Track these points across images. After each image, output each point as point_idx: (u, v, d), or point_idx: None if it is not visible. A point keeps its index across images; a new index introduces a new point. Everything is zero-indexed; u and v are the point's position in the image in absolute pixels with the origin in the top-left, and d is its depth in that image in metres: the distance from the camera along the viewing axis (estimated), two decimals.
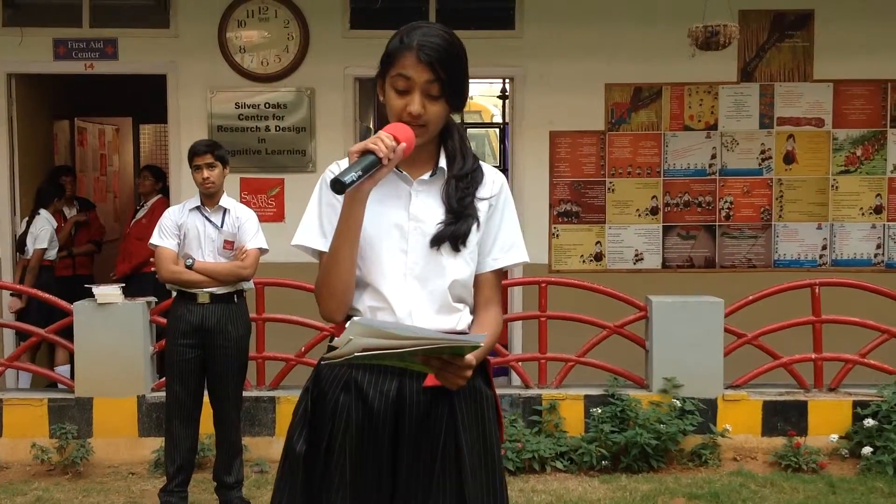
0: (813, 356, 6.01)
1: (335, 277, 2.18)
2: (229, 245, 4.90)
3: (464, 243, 2.21)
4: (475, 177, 2.27)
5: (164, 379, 5.78)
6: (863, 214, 7.33)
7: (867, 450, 5.60)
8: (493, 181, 2.31)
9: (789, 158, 7.31)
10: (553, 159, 7.27)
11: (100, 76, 7.43)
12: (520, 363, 6.14)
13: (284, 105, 7.20)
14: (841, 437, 5.79)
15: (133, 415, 5.82)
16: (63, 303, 5.96)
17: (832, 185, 7.31)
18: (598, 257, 7.32)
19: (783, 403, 5.91)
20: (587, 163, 7.28)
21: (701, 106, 7.28)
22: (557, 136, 7.26)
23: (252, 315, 5.28)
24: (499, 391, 6.00)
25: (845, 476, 5.51)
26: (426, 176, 2.24)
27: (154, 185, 7.94)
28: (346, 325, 1.93)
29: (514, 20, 7.20)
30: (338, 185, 2.02)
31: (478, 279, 2.29)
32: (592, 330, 5.97)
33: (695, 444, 5.73)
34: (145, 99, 8.11)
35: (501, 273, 2.34)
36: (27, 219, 7.24)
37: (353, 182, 2.03)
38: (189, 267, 4.83)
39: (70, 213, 8.00)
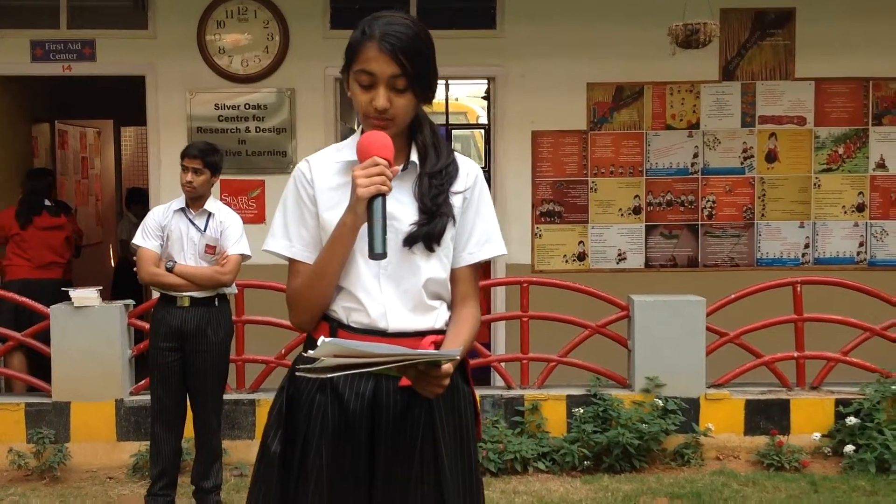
0: (795, 355, 6.00)
1: (317, 292, 2.15)
2: (211, 249, 4.85)
3: (438, 243, 2.16)
4: (450, 172, 2.21)
5: (142, 382, 5.76)
6: (845, 212, 7.32)
7: (849, 448, 5.59)
8: (467, 174, 2.24)
9: (771, 157, 7.30)
10: (535, 159, 7.24)
11: (80, 78, 7.36)
12: (502, 364, 6.11)
13: (265, 106, 7.16)
14: (823, 436, 5.78)
15: (111, 419, 5.76)
16: (40, 306, 5.90)
17: (814, 184, 7.31)
18: (581, 257, 7.30)
19: (765, 402, 5.89)
20: (570, 162, 7.26)
21: (683, 105, 7.27)
22: (539, 136, 7.24)
23: (234, 318, 5.23)
24: (481, 392, 6.01)
25: (828, 474, 5.49)
26: (398, 170, 2.17)
27: None
28: (318, 344, 1.88)
29: (495, 19, 7.17)
30: (380, 257, 2.01)
31: (454, 274, 2.24)
32: (575, 330, 5.95)
33: (677, 443, 5.71)
34: (126, 101, 8.04)
35: (478, 267, 2.29)
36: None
37: (386, 241, 2.01)
38: (169, 270, 4.79)
39: None
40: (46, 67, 7.10)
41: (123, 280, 9.33)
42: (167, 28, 7.08)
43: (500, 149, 7.29)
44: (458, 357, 1.99)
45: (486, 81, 8.60)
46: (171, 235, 4.85)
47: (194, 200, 4.87)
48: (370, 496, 2.15)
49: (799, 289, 5.98)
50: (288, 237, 2.20)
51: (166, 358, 4.83)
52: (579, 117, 7.24)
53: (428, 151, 2.21)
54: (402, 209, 2.16)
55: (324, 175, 2.20)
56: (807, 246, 7.33)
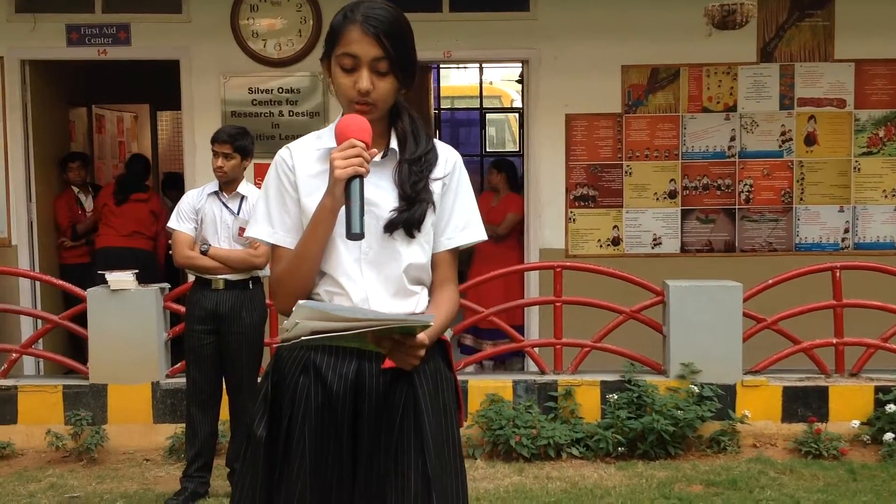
0: (834, 341, 5.91)
1: (300, 276, 2.17)
2: (244, 232, 4.87)
3: (418, 229, 2.19)
4: (429, 159, 2.24)
5: (178, 365, 5.80)
6: (886, 197, 7.19)
7: (889, 436, 5.51)
8: (446, 160, 2.28)
9: (810, 140, 7.19)
10: (569, 143, 7.18)
11: (115, 63, 7.40)
12: (535, 349, 6.08)
13: (298, 90, 7.15)
14: (862, 424, 5.70)
15: (147, 401, 5.81)
16: (77, 289, 5.96)
17: (854, 167, 7.19)
18: (616, 242, 7.24)
19: (803, 389, 5.82)
20: (604, 146, 7.19)
21: (720, 87, 7.17)
22: (573, 119, 7.17)
23: (269, 301, 5.25)
24: (514, 377, 6.00)
25: (867, 462, 5.42)
26: (378, 157, 2.19)
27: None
28: (294, 308, 1.90)
29: (528, 1, 7.10)
30: (357, 237, 2.03)
31: (433, 259, 2.27)
32: (609, 315, 5.90)
33: (713, 430, 5.65)
34: (162, 85, 8.07)
35: (457, 252, 2.32)
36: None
37: (363, 222, 2.03)
38: (204, 252, 4.82)
39: (86, 200, 8.00)
40: (82, 52, 7.15)
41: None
42: (201, 12, 7.09)
43: (533, 133, 7.24)
44: (432, 323, 2.01)
45: (520, 64, 8.57)
46: (204, 219, 4.88)
47: (227, 184, 4.89)
48: (354, 477, 2.17)
49: (838, 274, 5.90)
50: (271, 223, 2.24)
51: (201, 340, 4.86)
52: (614, 100, 7.17)
53: (407, 139, 2.24)
54: (383, 195, 2.19)
55: (305, 162, 2.23)
56: (846, 230, 7.22)
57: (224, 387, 4.99)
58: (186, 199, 4.96)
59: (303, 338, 1.90)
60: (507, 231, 7.49)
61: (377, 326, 1.93)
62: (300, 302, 1.92)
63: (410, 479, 2.15)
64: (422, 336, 2.01)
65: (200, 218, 4.89)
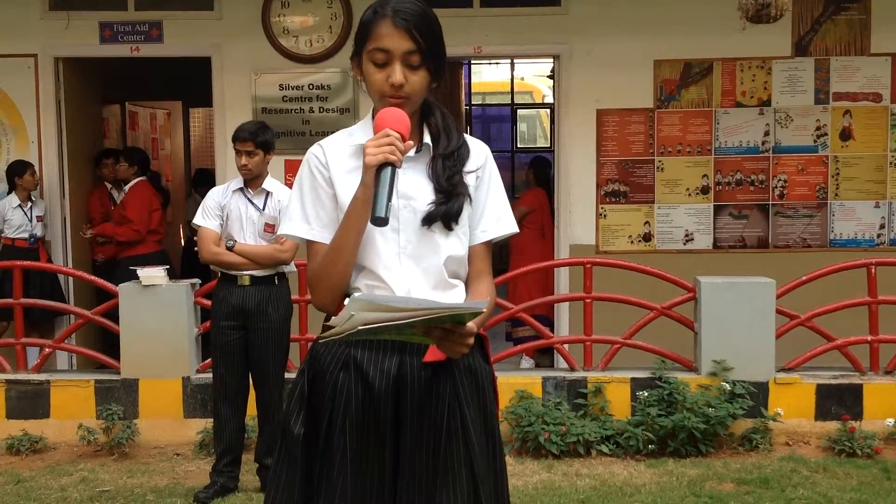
0: (869, 338, 5.83)
1: (337, 269, 2.16)
2: (270, 228, 4.88)
3: (456, 221, 2.20)
4: (461, 153, 2.25)
5: (208, 361, 5.82)
6: None
7: None
8: (478, 153, 2.30)
9: (846, 135, 7.09)
10: (600, 138, 7.13)
11: (148, 60, 7.46)
12: (565, 345, 6.05)
13: (328, 86, 7.16)
14: None
15: (178, 396, 5.85)
16: (109, 285, 6.01)
17: (890, 162, 7.07)
18: (647, 238, 7.18)
19: (837, 387, 5.74)
20: (635, 141, 7.13)
21: (753, 81, 7.08)
22: (605, 115, 7.12)
23: (294, 297, 5.26)
24: (544, 374, 5.96)
25: None
26: (412, 153, 2.18)
27: (129, 168, 7.65)
28: (346, 301, 1.88)
29: None
30: (381, 222, 2.00)
31: (469, 252, 2.28)
32: (639, 311, 5.85)
33: (745, 428, 5.59)
34: (195, 82, 8.12)
35: (491, 245, 2.33)
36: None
37: (389, 207, 2.01)
38: (230, 249, 4.83)
39: (119, 196, 8.07)
40: (115, 49, 7.21)
41: (192, 259, 9.48)
42: (232, 9, 7.12)
43: (564, 128, 7.19)
44: (483, 310, 1.99)
45: (551, 60, 8.51)
46: (230, 215, 4.89)
47: (252, 180, 4.90)
48: (396, 473, 2.16)
49: (873, 270, 5.81)
50: (307, 220, 2.23)
51: (228, 336, 4.88)
52: (646, 95, 7.11)
53: (440, 134, 2.25)
54: (419, 189, 2.20)
55: (338, 158, 2.23)
56: (882, 226, 7.11)
57: (251, 382, 5.01)
58: (212, 196, 4.98)
59: (359, 327, 1.88)
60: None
61: (431, 315, 1.92)
62: (355, 294, 1.92)
63: (460, 476, 2.14)
64: (471, 324, 2.00)
65: (226, 214, 4.90)
